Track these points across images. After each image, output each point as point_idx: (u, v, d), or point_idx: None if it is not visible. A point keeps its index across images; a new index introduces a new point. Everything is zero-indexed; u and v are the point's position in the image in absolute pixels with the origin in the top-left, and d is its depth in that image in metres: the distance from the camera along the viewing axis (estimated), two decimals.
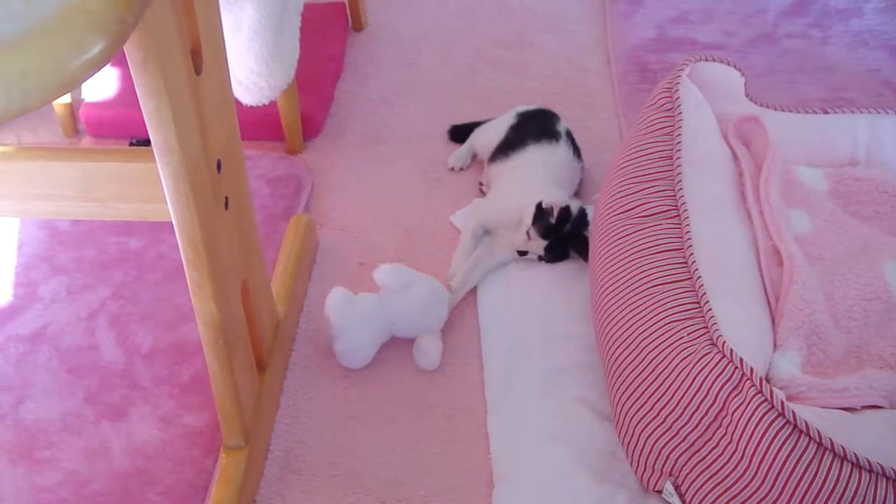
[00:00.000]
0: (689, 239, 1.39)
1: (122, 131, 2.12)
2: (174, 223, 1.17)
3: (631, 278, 1.40)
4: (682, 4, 2.48)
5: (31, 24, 0.69)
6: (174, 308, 1.72)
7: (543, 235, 1.70)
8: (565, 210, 1.70)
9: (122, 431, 1.54)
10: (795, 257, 1.43)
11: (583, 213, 1.74)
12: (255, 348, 1.48)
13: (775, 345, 1.35)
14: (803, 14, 2.42)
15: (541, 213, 1.70)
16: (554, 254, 1.74)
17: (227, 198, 1.25)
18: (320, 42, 2.24)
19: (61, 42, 0.68)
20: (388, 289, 1.65)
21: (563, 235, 1.71)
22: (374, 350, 1.64)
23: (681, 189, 1.44)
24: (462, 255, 1.79)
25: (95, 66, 0.68)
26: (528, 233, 1.71)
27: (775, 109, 1.71)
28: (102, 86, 2.15)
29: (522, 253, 1.74)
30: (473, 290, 1.75)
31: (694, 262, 1.36)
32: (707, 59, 1.64)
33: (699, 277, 1.34)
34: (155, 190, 1.17)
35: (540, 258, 1.74)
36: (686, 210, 1.42)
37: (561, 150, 1.84)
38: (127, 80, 2.15)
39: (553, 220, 1.69)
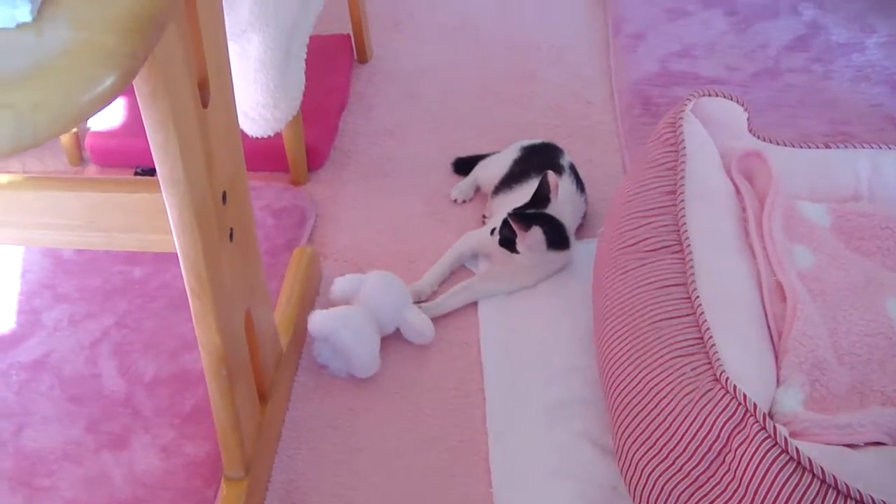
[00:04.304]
0: (692, 274, 1.39)
1: (127, 160, 2.13)
2: (179, 254, 1.18)
3: (634, 312, 1.40)
4: (685, 39, 2.49)
5: (44, 58, 0.70)
6: (177, 337, 1.72)
7: (509, 212, 1.72)
8: (545, 196, 1.73)
9: (123, 461, 1.54)
10: (798, 293, 1.43)
11: (552, 220, 1.75)
12: (258, 379, 1.48)
13: (778, 380, 1.35)
14: (805, 49, 2.43)
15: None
16: (503, 231, 1.73)
17: (231, 229, 1.25)
18: (325, 74, 2.26)
19: (73, 75, 0.68)
20: (349, 295, 1.72)
21: (517, 215, 1.71)
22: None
23: (684, 224, 1.45)
24: (439, 267, 1.83)
25: (106, 99, 0.69)
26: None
27: (778, 144, 1.72)
28: (107, 115, 2.16)
29: (493, 231, 1.76)
30: (476, 324, 1.75)
31: (697, 297, 1.36)
32: (710, 94, 1.65)
33: (702, 313, 1.34)
34: (160, 221, 1.17)
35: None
36: (689, 245, 1.42)
37: (564, 183, 1.85)
38: (132, 109, 2.16)
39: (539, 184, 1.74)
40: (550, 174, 1.74)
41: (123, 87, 0.70)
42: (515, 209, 1.73)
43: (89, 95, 0.68)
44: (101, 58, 0.70)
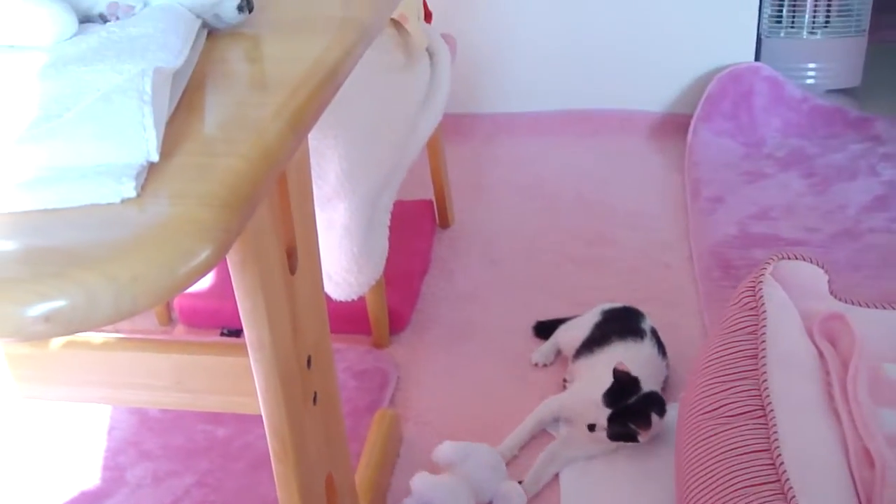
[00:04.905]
0: (776, 440, 1.37)
1: (214, 321, 2.18)
2: (263, 416, 1.20)
3: (717, 479, 1.38)
4: (763, 201, 2.50)
5: (144, 231, 0.73)
6: (258, 498, 1.73)
7: (608, 404, 1.69)
8: (631, 379, 1.70)
9: None
10: (886, 458, 1.40)
11: (655, 396, 1.73)
12: None
13: None
14: (885, 208, 2.43)
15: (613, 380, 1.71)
16: (615, 426, 1.69)
17: (315, 393, 1.27)
18: (408, 238, 2.31)
19: (171, 249, 0.72)
20: (454, 464, 1.70)
21: (626, 408, 1.69)
22: None
23: (766, 389, 1.43)
24: (520, 432, 1.81)
25: (202, 271, 0.72)
26: (596, 403, 1.71)
27: (860, 306, 1.70)
28: None
29: (591, 427, 1.72)
30: (556, 491, 1.73)
31: (782, 463, 1.33)
32: (789, 258, 1.65)
33: (787, 479, 1.31)
34: (246, 383, 1.20)
35: (607, 434, 1.71)
36: (772, 410, 1.41)
37: (645, 347, 1.85)
38: (219, 272, 2.23)
39: (614, 380, 1.70)
40: (618, 364, 1.73)
41: (218, 261, 0.74)
42: (612, 404, 1.70)
43: (185, 268, 0.71)
44: (198, 232, 0.73)
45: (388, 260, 1.96)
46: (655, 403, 1.72)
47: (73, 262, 0.70)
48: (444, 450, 1.74)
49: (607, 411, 1.70)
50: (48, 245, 0.72)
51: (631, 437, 1.71)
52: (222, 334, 2.16)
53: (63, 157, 0.79)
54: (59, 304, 0.67)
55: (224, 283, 2.07)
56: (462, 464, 1.70)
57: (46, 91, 0.89)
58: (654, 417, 1.70)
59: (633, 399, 1.71)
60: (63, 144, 0.80)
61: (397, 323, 2.14)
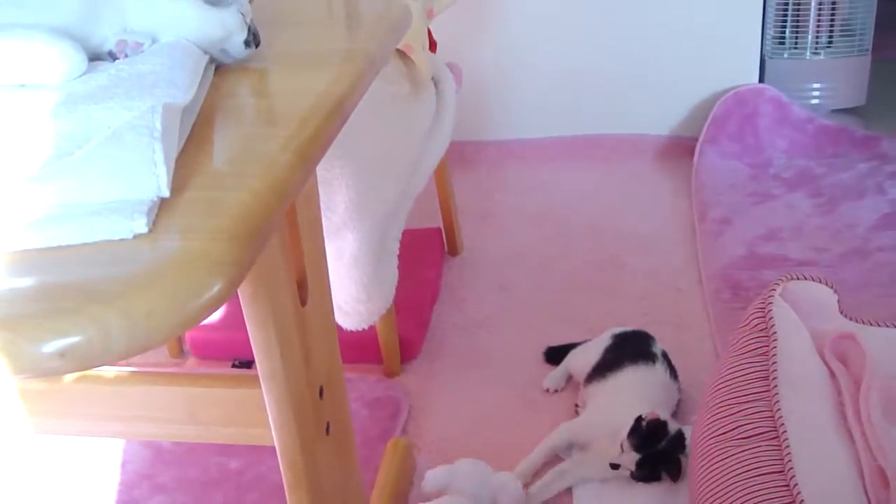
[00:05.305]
0: (790, 461, 1.36)
1: (226, 352, 2.18)
2: (276, 448, 1.20)
3: (732, 502, 1.37)
4: (771, 222, 2.50)
5: (156, 267, 0.74)
6: None
7: (636, 448, 1.69)
8: (661, 424, 1.69)
9: None
10: None
11: (680, 436, 1.72)
12: None
13: None
14: (893, 227, 2.42)
15: (638, 425, 1.69)
16: (644, 471, 1.69)
17: (328, 423, 1.28)
18: (417, 267, 2.31)
19: (183, 283, 0.72)
20: (442, 486, 1.71)
21: (656, 453, 1.69)
22: None
23: (779, 410, 1.43)
24: (533, 458, 1.80)
25: (214, 305, 0.73)
26: (622, 445, 1.69)
27: (871, 325, 1.69)
28: None
29: (615, 466, 1.71)
30: None
31: (796, 485, 1.33)
32: (798, 278, 1.65)
33: (802, 501, 1.31)
34: (258, 415, 1.20)
35: (631, 474, 1.71)
36: (785, 431, 1.40)
37: (657, 371, 1.85)
38: (230, 304, 2.23)
39: (644, 428, 1.67)
40: (649, 413, 1.70)
41: (230, 295, 0.74)
42: (641, 448, 1.68)
43: (198, 302, 0.72)
44: (209, 266, 0.74)
45: (397, 289, 1.96)
46: (680, 444, 1.71)
47: (87, 298, 0.70)
48: (430, 479, 1.74)
49: (635, 455, 1.68)
50: (62, 281, 0.73)
51: (657, 478, 1.70)
52: (234, 366, 2.16)
53: (75, 194, 0.80)
54: (73, 339, 0.67)
55: (235, 315, 2.08)
56: (452, 484, 1.70)
57: (57, 129, 0.90)
58: (683, 459, 1.69)
59: (663, 444, 1.69)
60: (74, 182, 0.81)
61: (408, 351, 2.14)
